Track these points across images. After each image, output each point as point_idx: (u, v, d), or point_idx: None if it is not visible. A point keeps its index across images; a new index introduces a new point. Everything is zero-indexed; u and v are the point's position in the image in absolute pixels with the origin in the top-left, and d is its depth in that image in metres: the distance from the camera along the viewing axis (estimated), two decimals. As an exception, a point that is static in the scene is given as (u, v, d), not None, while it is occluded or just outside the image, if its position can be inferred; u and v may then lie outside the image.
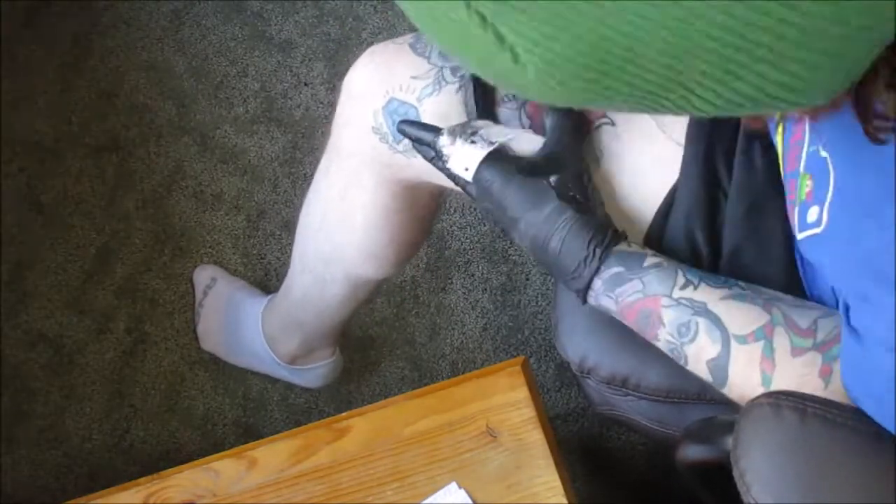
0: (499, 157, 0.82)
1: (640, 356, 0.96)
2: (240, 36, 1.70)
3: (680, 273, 0.79)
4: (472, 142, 0.82)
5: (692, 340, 0.76)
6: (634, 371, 0.96)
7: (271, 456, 1.03)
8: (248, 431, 1.48)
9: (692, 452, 0.91)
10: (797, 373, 0.73)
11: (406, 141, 0.91)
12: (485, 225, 1.53)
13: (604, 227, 0.80)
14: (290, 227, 1.57)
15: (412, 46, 0.92)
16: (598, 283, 0.79)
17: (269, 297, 1.42)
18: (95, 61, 1.70)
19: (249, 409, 1.49)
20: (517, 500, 0.97)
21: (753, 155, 0.86)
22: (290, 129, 1.63)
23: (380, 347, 1.50)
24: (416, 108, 0.90)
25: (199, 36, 1.71)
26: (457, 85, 0.89)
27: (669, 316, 0.77)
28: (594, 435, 1.43)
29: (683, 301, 0.77)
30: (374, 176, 0.98)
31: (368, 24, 1.68)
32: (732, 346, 0.75)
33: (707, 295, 0.77)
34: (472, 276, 1.53)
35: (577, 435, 1.43)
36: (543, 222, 0.80)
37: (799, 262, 0.84)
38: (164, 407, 1.50)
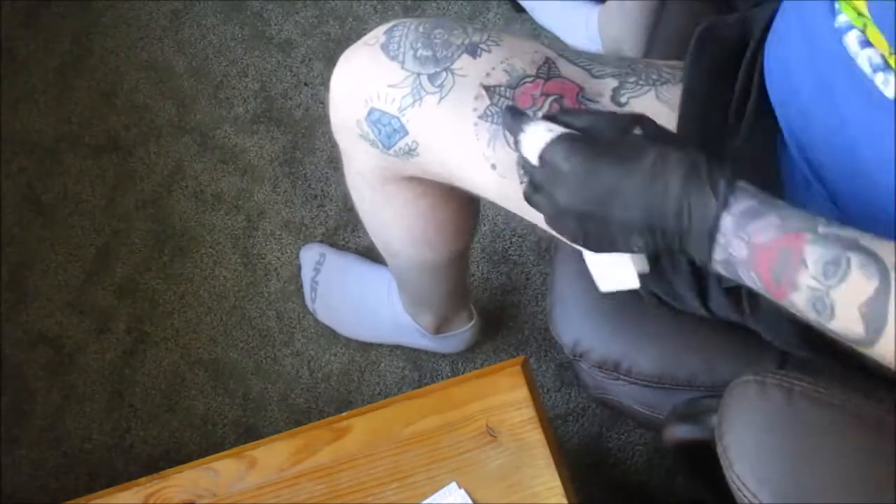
0: (574, 136, 0.74)
1: (633, 342, 0.97)
2: (240, 36, 1.70)
3: (819, 214, 0.68)
4: (550, 129, 0.74)
5: (842, 280, 0.64)
6: (626, 356, 0.97)
7: (271, 456, 1.03)
8: (248, 431, 1.48)
9: (679, 432, 0.92)
10: None
11: (398, 146, 0.90)
12: (484, 225, 1.53)
13: (719, 160, 0.70)
14: (289, 226, 1.57)
15: (384, 48, 0.90)
16: (727, 222, 0.67)
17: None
18: (95, 61, 1.70)
19: (249, 409, 1.49)
20: (517, 500, 0.97)
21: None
22: (290, 129, 1.63)
23: (381, 347, 1.50)
24: (398, 118, 0.88)
25: (199, 36, 1.71)
26: (437, 96, 0.87)
27: (815, 254, 0.65)
28: (594, 435, 1.43)
29: (831, 236, 0.66)
30: (380, 174, 0.98)
31: (368, 24, 1.68)
32: (894, 280, 0.63)
33: (855, 232, 0.66)
34: (472, 275, 1.52)
35: (577, 435, 1.42)
36: (651, 171, 0.69)
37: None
38: (164, 407, 1.50)
